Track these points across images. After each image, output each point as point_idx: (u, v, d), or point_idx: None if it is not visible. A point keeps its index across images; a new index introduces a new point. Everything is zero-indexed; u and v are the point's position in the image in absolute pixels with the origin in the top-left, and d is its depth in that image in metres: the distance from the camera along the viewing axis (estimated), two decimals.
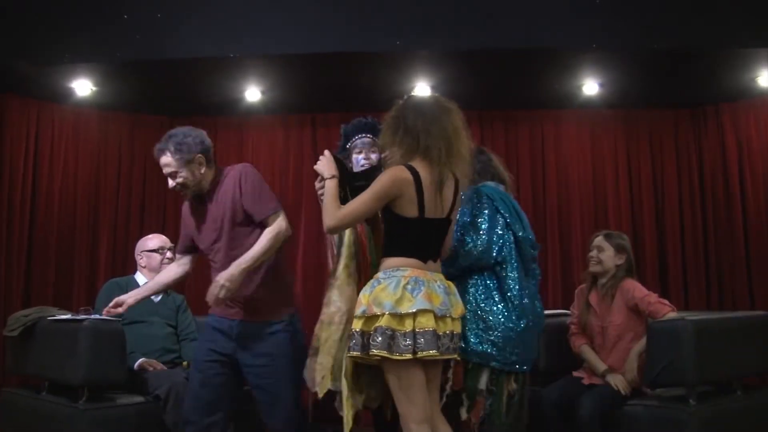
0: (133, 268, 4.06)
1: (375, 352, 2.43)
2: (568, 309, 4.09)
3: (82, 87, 4.82)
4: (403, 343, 2.42)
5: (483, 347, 2.80)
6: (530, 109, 5.52)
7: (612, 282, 3.67)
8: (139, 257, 3.93)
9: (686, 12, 4.27)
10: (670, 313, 3.46)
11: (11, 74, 4.61)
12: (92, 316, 3.33)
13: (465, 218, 2.89)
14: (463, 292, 2.82)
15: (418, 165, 2.55)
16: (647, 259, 5.28)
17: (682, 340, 3.18)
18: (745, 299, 5.12)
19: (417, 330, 2.43)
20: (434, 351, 2.43)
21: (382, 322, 2.43)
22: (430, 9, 4.32)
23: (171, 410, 3.25)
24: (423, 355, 2.43)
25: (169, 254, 3.88)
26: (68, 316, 3.43)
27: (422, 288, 2.47)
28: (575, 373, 3.69)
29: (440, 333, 2.46)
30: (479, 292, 2.87)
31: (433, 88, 4.92)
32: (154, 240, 3.95)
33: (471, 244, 2.85)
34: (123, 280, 3.90)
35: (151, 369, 3.50)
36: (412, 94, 2.77)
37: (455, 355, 2.54)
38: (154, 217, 5.51)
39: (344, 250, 2.84)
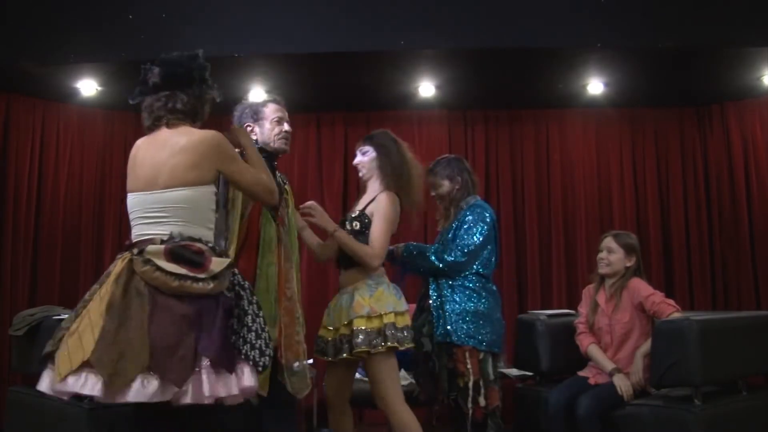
0: None
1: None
2: (573, 309, 4.08)
3: (88, 87, 4.83)
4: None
5: (490, 337, 3.33)
6: (535, 109, 5.51)
7: (620, 282, 3.66)
8: None
9: (691, 11, 4.25)
10: (675, 314, 3.44)
11: (17, 74, 4.61)
12: None
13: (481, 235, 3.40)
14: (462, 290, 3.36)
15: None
16: (652, 258, 5.26)
17: (688, 341, 3.17)
18: (750, 299, 5.10)
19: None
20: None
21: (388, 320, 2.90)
22: (434, 8, 4.32)
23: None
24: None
25: None
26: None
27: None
28: (580, 373, 3.69)
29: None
30: (474, 292, 3.38)
31: (438, 87, 4.92)
32: None
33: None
34: None
35: None
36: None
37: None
38: None
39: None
